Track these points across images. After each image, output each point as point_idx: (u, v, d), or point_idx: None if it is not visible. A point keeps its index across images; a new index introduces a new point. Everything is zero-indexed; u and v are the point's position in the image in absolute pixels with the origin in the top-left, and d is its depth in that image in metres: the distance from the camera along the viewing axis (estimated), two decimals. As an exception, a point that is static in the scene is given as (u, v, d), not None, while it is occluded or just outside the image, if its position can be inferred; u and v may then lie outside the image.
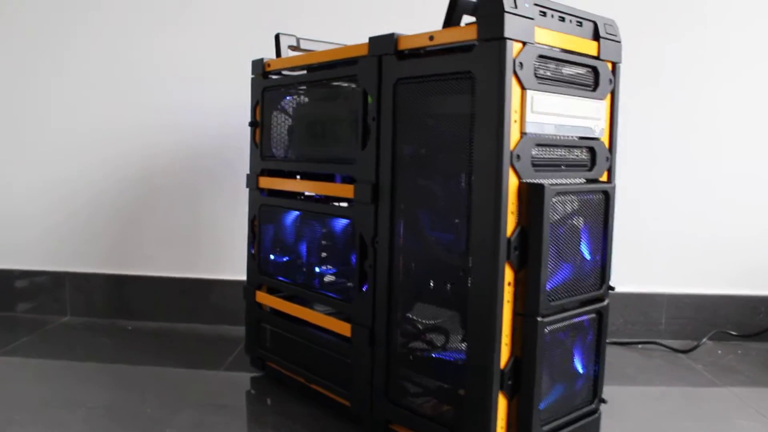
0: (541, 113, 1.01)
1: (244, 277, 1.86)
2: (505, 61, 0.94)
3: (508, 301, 0.99)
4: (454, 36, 1.02)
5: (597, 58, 1.11)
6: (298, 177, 1.41)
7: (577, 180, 1.09)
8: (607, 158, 1.15)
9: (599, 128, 1.12)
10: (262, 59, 1.45)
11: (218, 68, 1.90)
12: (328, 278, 1.32)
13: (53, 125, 1.98)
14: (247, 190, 1.50)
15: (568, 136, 1.07)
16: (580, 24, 1.09)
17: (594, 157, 1.12)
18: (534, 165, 1.00)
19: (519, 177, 0.98)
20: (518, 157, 0.97)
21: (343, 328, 1.24)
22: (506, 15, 0.94)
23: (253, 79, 1.48)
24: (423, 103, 1.08)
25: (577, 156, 1.10)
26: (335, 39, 1.55)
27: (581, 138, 1.10)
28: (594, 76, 1.11)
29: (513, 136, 0.96)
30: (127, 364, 1.58)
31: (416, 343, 1.14)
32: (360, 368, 1.20)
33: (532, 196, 0.98)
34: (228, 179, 1.93)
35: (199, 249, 1.96)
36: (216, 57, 1.90)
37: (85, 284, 1.98)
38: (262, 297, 1.47)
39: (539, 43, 1.00)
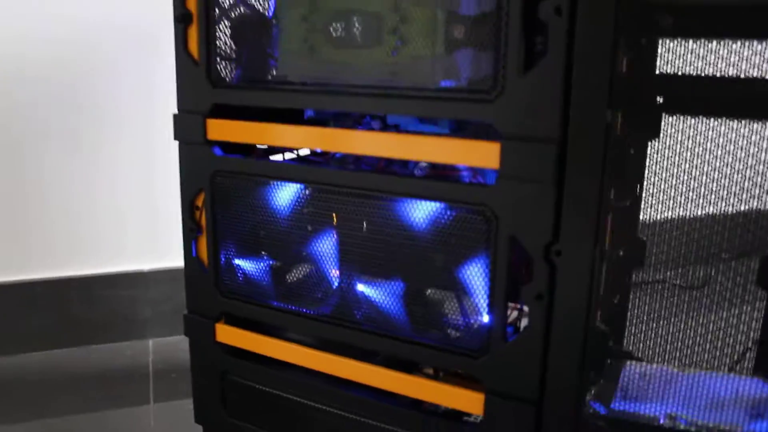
0: None
1: (113, 270, 1.17)
2: None
3: None
4: None
5: None
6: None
7: None
8: None
9: None
10: None
11: None
12: (388, 304, 0.72)
13: None
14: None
15: None
16: None
17: None
18: None
19: None
20: None
21: (463, 400, 0.69)
22: None
23: None
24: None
25: None
26: None
27: None
28: None
29: None
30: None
31: None
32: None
33: None
34: (69, 120, 1.13)
35: (36, 239, 1.16)
36: None
37: None
38: (233, 335, 0.83)
39: None
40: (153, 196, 1.21)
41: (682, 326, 0.79)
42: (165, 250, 1.22)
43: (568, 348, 0.62)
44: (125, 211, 1.21)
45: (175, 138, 0.79)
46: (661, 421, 0.71)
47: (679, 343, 0.80)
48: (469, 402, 0.68)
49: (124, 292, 1.20)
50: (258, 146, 0.82)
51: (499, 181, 0.61)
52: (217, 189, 0.78)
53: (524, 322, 0.66)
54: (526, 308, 0.65)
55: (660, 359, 0.81)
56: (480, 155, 0.62)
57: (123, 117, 1.17)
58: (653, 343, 0.80)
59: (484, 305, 0.66)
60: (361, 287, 0.73)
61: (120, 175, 1.19)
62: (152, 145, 1.18)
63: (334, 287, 0.75)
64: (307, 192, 0.73)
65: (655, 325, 0.79)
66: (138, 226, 1.22)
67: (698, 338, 0.80)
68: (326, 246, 0.74)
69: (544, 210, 0.60)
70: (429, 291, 0.70)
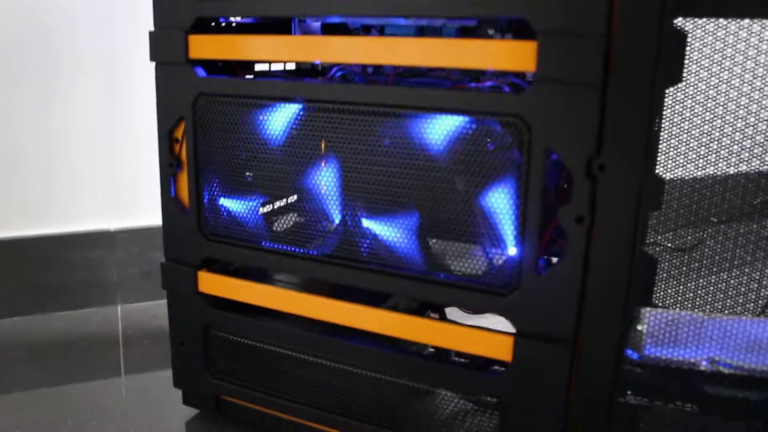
0: None
1: (76, 229, 1.06)
2: None
3: None
4: None
5: None
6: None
7: None
8: None
9: None
10: None
11: None
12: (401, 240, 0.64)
13: None
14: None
15: None
16: None
17: None
18: None
19: None
20: None
21: (488, 343, 0.61)
22: None
23: None
24: None
25: None
26: None
27: None
28: None
29: None
30: None
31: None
32: (538, 417, 0.60)
33: None
34: (18, 63, 1.02)
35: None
36: None
37: None
38: (218, 284, 0.74)
39: None
40: (119, 145, 1.10)
41: (704, 272, 0.73)
42: (133, 207, 1.11)
43: (612, 278, 0.55)
44: (88, 163, 1.10)
45: (152, 59, 0.69)
46: (704, 365, 0.65)
47: (705, 289, 0.74)
48: (496, 345, 0.60)
49: (88, 254, 1.09)
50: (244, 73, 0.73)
51: (534, 87, 0.54)
52: (201, 116, 0.69)
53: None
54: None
55: (685, 306, 0.75)
56: (514, 56, 0.54)
57: (80, 56, 1.06)
58: (675, 291, 0.74)
59: (513, 234, 0.58)
60: (368, 222, 0.65)
61: (81, 121, 1.08)
62: (116, 87, 1.07)
63: (336, 224, 0.67)
64: (306, 114, 0.64)
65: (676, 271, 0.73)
66: (103, 180, 1.11)
67: (724, 284, 0.74)
68: (328, 177, 0.65)
69: (586, 118, 0.53)
70: (449, 222, 0.62)
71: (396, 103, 0.60)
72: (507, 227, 0.59)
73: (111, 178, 1.11)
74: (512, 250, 0.59)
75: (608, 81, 0.52)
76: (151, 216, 1.11)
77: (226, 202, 0.72)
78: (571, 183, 0.55)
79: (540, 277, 0.57)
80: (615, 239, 0.54)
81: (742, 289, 0.74)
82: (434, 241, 0.64)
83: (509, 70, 0.56)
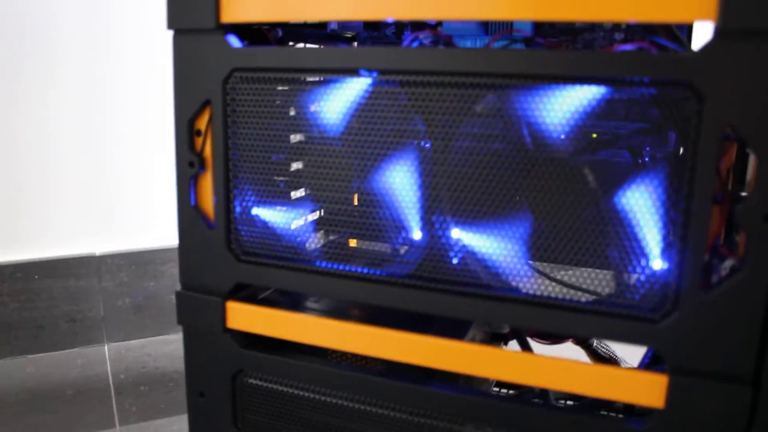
0: None
1: (56, 254, 0.88)
2: None
3: None
4: None
5: None
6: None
7: None
8: None
9: None
10: None
11: None
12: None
13: None
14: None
15: None
16: None
17: None
18: None
19: None
20: None
21: (633, 385, 0.47)
22: None
23: None
24: None
25: None
26: None
27: None
28: None
29: None
30: None
31: None
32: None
33: None
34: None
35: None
36: None
37: None
38: (254, 318, 0.58)
39: None
40: (105, 157, 0.94)
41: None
42: (122, 228, 0.95)
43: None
44: (66, 173, 0.93)
45: (170, 26, 0.54)
46: None
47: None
48: (643, 387, 0.46)
49: (68, 284, 0.91)
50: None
51: (712, 44, 0.40)
52: (235, 98, 0.54)
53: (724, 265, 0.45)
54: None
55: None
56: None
57: (55, 41, 0.90)
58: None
59: (667, 241, 0.44)
60: (462, 232, 0.50)
61: (63, 131, 0.91)
62: (97, 75, 0.91)
63: (419, 238, 0.52)
64: (379, 90, 0.50)
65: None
66: (85, 192, 0.94)
67: None
68: (405, 174, 0.51)
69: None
70: (575, 227, 0.47)
71: (506, 71, 0.46)
72: (658, 232, 0.45)
73: (95, 191, 0.94)
74: (663, 263, 0.45)
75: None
76: (144, 237, 0.94)
77: (263, 213, 0.56)
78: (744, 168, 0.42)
79: (706, 294, 0.43)
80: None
81: None
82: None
83: (674, 21, 0.42)
